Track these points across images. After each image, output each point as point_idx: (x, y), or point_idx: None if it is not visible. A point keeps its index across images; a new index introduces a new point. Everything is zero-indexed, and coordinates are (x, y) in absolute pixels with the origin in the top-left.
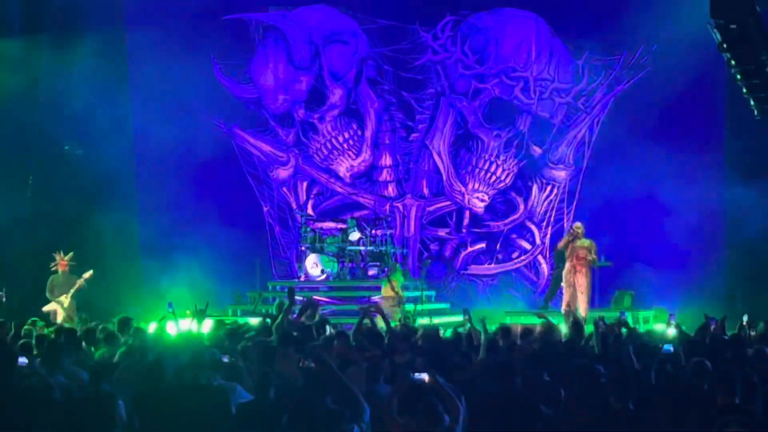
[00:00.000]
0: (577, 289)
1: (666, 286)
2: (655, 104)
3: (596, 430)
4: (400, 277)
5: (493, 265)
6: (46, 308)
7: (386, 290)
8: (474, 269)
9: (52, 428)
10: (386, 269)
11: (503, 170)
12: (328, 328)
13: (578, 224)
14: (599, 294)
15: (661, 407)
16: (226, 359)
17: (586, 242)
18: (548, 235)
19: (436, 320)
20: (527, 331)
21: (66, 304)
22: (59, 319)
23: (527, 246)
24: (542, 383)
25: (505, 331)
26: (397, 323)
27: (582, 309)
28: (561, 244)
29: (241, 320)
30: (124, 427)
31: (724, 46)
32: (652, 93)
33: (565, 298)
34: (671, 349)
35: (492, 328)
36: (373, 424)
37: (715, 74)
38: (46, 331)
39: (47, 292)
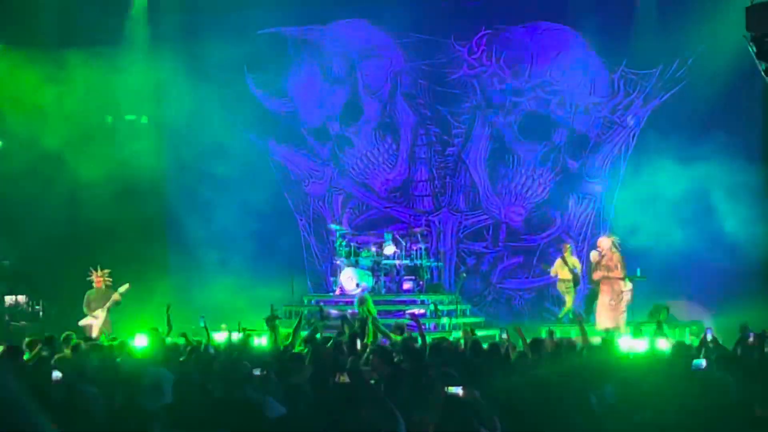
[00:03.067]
0: (599, 302)
1: (703, 299)
2: (691, 117)
3: None
4: (572, 257)
5: (529, 279)
6: (82, 322)
7: (563, 272)
8: (510, 283)
9: None
10: (560, 254)
11: (539, 184)
12: (358, 342)
13: (601, 241)
14: (634, 307)
15: (692, 421)
16: (258, 372)
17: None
18: (585, 249)
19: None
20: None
21: (101, 319)
22: (95, 333)
23: None
24: (574, 396)
25: (536, 344)
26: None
27: (602, 323)
28: (596, 276)
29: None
30: None
31: (760, 58)
32: (689, 106)
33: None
34: (702, 364)
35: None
36: None
37: (751, 86)
38: (73, 342)
39: (84, 307)
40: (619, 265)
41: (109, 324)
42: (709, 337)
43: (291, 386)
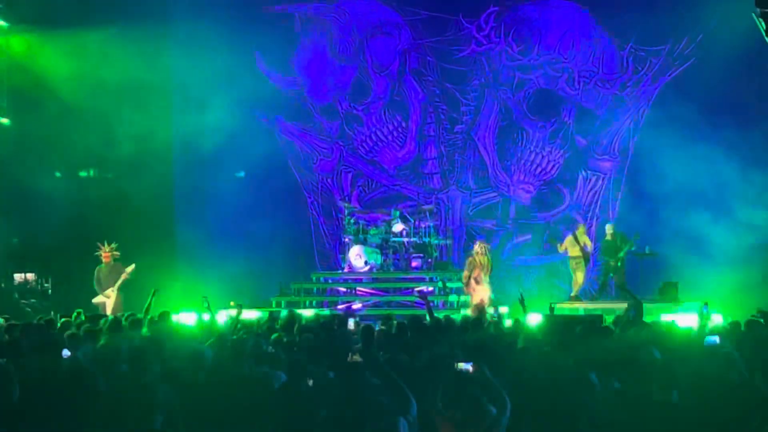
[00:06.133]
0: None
1: (713, 277)
2: (700, 94)
3: (640, 422)
4: (586, 236)
5: (539, 256)
6: (95, 300)
7: (573, 250)
8: (520, 260)
9: (97, 418)
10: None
11: (548, 161)
12: (350, 321)
13: (477, 248)
14: (643, 284)
15: (703, 399)
16: (271, 349)
17: (484, 260)
18: (594, 226)
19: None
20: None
21: (112, 298)
22: (108, 311)
23: None
24: (585, 375)
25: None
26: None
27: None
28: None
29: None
30: (165, 414)
31: None
32: (698, 83)
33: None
34: (716, 340)
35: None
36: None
37: (761, 63)
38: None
39: (94, 284)
40: (478, 270)
41: (121, 303)
42: (705, 313)
43: (295, 361)
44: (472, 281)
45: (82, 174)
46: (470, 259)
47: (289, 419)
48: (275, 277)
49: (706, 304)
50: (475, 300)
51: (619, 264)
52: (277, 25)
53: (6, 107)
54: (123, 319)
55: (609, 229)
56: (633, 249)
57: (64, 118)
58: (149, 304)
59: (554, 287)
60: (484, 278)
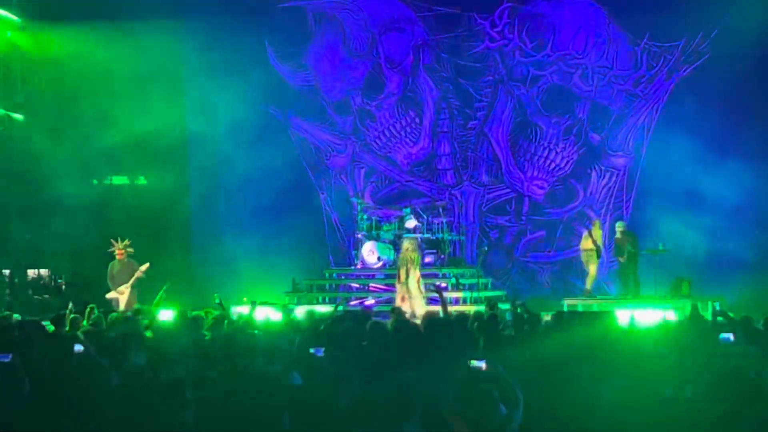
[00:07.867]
0: (411, 293)
1: (726, 275)
2: (715, 91)
3: (652, 418)
4: (600, 230)
5: (553, 252)
6: (109, 296)
7: (586, 243)
8: (534, 256)
9: (110, 414)
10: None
11: (562, 158)
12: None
13: (407, 244)
14: (657, 280)
15: (717, 395)
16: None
17: (414, 256)
18: (608, 223)
19: None
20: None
21: (126, 294)
22: (121, 307)
23: None
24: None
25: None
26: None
27: (419, 308)
28: (402, 276)
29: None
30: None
31: None
32: (712, 79)
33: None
34: (730, 338)
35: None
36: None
37: None
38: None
39: (108, 280)
40: (409, 265)
41: (135, 300)
42: (717, 310)
43: (310, 358)
44: (402, 275)
45: (96, 170)
46: (400, 255)
47: (307, 412)
48: (288, 273)
49: (717, 302)
50: (399, 294)
51: (624, 261)
52: (290, 20)
53: (20, 103)
54: (132, 313)
55: (619, 227)
56: (640, 252)
57: (76, 114)
58: (160, 298)
59: (568, 284)
60: (413, 273)
